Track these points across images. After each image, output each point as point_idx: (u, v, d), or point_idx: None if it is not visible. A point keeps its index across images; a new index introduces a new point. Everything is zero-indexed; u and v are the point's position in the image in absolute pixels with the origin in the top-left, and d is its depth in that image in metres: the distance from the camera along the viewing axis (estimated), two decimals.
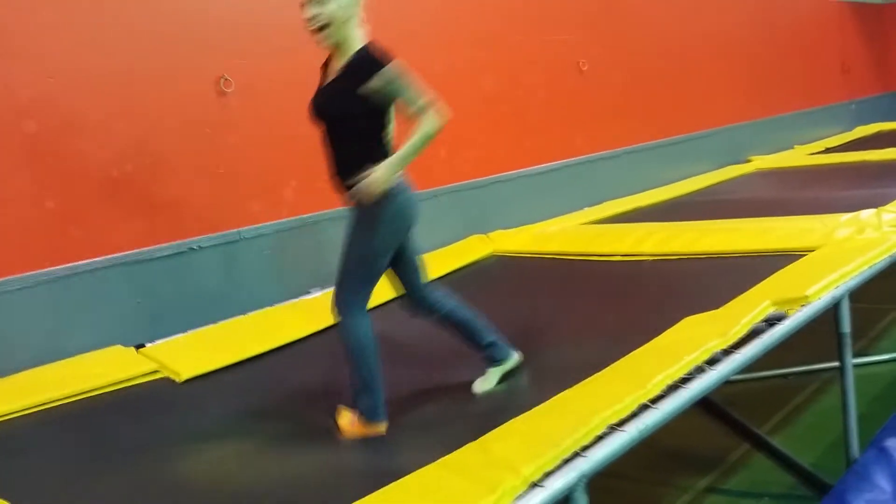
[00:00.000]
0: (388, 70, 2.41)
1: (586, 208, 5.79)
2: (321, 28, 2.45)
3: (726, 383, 2.75)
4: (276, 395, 2.93)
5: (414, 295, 2.68)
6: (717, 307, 2.88)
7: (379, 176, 2.41)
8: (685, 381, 2.30)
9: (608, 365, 2.43)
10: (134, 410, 2.86)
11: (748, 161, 7.62)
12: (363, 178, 2.41)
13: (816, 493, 2.94)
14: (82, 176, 3.53)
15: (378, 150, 2.50)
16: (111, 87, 3.62)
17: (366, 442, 2.38)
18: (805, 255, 3.50)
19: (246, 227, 4.04)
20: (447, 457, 1.95)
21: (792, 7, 9.16)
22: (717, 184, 6.58)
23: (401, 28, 4.87)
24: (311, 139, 4.27)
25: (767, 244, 3.82)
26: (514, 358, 2.74)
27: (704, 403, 2.94)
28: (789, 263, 3.39)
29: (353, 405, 2.46)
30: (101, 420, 2.77)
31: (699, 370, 2.37)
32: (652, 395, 2.18)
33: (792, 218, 4.37)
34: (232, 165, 4.03)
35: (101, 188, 3.59)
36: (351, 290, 2.50)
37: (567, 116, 6.02)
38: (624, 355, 2.51)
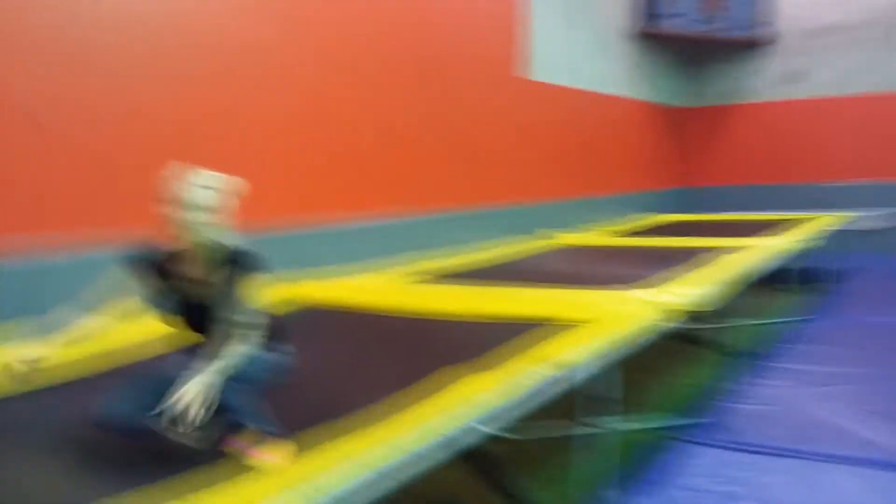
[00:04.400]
0: (242, 276, 2.43)
1: (393, 265, 5.93)
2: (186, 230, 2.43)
3: (495, 440, 2.87)
4: None
5: None
6: (480, 365, 3.05)
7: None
8: (439, 435, 2.40)
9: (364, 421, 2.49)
10: None
11: (548, 236, 8.04)
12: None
13: None
14: None
15: None
16: None
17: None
18: (575, 324, 3.77)
19: None
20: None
21: (602, 101, 9.91)
22: (516, 254, 6.94)
23: (213, 65, 4.91)
24: None
25: (540, 311, 4.08)
26: None
27: (472, 458, 3.07)
28: (557, 330, 3.63)
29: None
30: None
31: (457, 427, 2.48)
32: (406, 451, 2.27)
33: (571, 289, 4.71)
34: None
35: None
36: None
37: (381, 175, 6.22)
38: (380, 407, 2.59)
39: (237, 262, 2.46)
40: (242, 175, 2.54)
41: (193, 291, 2.50)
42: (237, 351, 2.37)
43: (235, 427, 2.35)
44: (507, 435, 3.81)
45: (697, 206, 11.57)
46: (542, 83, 8.52)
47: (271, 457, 2.27)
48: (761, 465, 3.84)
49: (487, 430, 2.61)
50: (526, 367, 3.04)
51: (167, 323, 2.61)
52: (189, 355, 2.52)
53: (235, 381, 2.35)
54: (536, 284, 4.99)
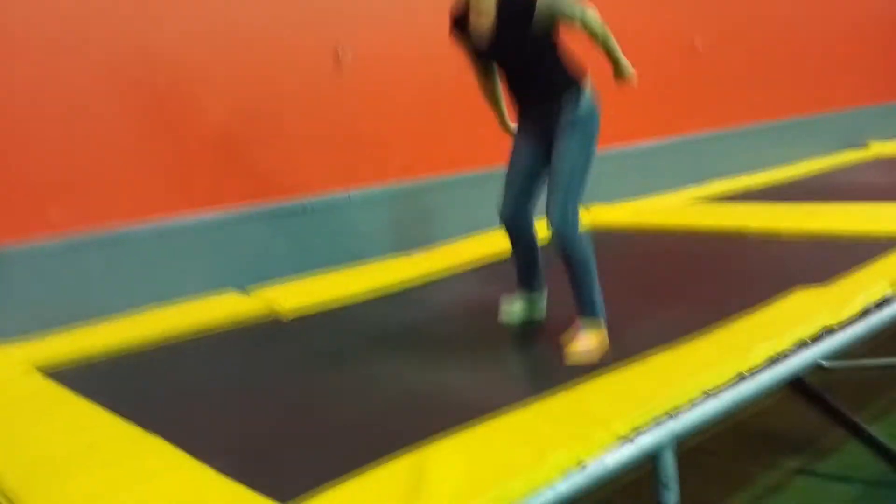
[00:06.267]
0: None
1: (692, 186, 5.68)
2: None
3: (825, 370, 2.64)
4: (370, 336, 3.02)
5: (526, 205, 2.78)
6: (826, 282, 2.81)
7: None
8: (787, 355, 2.27)
9: (707, 329, 2.43)
10: (243, 340, 3.04)
11: (866, 146, 7.29)
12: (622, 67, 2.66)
13: None
14: (203, 131, 3.73)
15: (566, 64, 2.66)
16: (237, 49, 3.80)
17: (456, 380, 2.42)
18: None
19: (355, 189, 4.17)
20: (540, 403, 1.99)
21: None
22: (833, 168, 6.32)
23: None
24: (418, 113, 4.40)
25: (881, 226, 3.68)
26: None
27: (801, 388, 2.90)
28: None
29: (584, 315, 2.56)
30: (213, 350, 2.96)
31: (803, 345, 2.33)
32: (751, 366, 2.17)
33: None
34: (343, 132, 4.16)
35: (221, 144, 3.78)
36: (575, 201, 2.56)
37: (678, 93, 5.91)
38: (725, 321, 2.49)
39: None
40: None
41: (488, 50, 2.63)
42: (604, 33, 2.58)
43: (583, 312, 2.55)
44: (841, 365, 3.55)
45: None
46: None
47: (590, 343, 2.46)
48: None
49: (824, 351, 2.40)
50: (870, 285, 2.75)
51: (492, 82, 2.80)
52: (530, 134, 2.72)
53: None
54: (861, 200, 4.51)
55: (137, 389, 2.57)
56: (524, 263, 2.83)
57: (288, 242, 3.95)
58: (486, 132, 4.70)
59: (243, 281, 3.66)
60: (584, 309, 2.56)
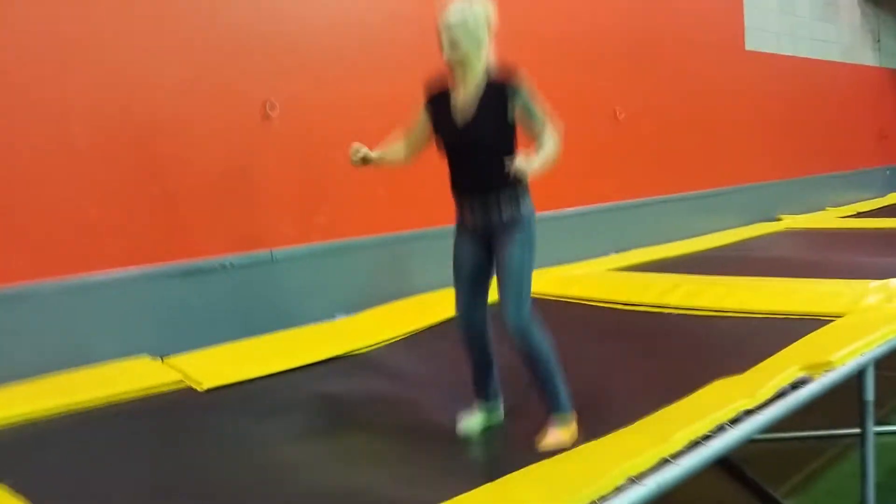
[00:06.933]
0: (524, 92, 2.61)
1: (612, 255, 5.79)
2: (457, 54, 2.58)
3: (746, 443, 2.70)
4: (292, 412, 2.96)
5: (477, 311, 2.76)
6: (743, 368, 2.87)
7: (532, 163, 2.51)
8: (707, 438, 2.30)
9: (632, 421, 2.44)
10: (156, 416, 2.91)
11: (778, 219, 7.61)
12: (516, 161, 2.50)
13: None
14: (122, 188, 3.61)
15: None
16: (154, 100, 3.71)
17: (377, 474, 2.37)
18: (832, 319, 3.49)
19: (278, 249, 4.10)
20: (465, 495, 1.96)
21: (831, 71, 9.18)
22: (746, 240, 6.56)
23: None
24: (345, 171, 4.37)
25: (795, 307, 3.81)
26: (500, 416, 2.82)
27: (723, 463, 2.94)
28: (816, 327, 3.38)
29: (552, 411, 2.58)
30: (124, 424, 2.82)
31: (722, 428, 2.37)
32: (673, 451, 2.18)
33: (820, 281, 4.35)
34: (268, 187, 4.10)
35: (140, 201, 3.67)
36: (527, 300, 2.61)
37: (598, 162, 6.06)
38: (648, 413, 2.51)
39: (506, 86, 2.59)
40: None
41: (462, 127, 2.62)
42: (551, 144, 2.58)
43: (553, 408, 2.58)
44: (762, 438, 3.61)
45: None
46: (771, 54, 8.00)
47: (560, 437, 2.49)
48: None
49: (744, 434, 2.43)
50: (783, 368, 2.82)
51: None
52: (471, 238, 2.72)
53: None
54: (773, 275, 4.66)
55: (36, 466, 2.42)
56: (479, 369, 2.79)
57: (207, 303, 3.84)
58: (415, 193, 4.74)
59: (159, 343, 3.53)
60: (551, 403, 2.60)
